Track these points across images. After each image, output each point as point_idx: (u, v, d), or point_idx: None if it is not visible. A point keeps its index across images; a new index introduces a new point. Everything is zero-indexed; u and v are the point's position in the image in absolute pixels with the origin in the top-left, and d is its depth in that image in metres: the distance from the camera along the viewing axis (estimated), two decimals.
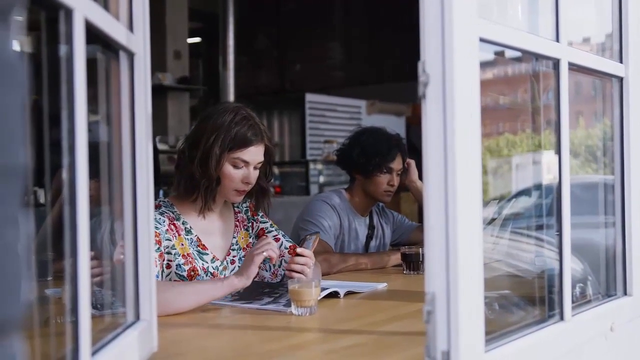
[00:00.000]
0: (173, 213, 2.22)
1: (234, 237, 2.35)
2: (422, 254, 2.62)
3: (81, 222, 0.99)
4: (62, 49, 0.98)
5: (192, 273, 2.17)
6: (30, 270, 0.58)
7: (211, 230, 2.29)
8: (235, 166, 2.18)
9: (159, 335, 1.42)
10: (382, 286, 2.33)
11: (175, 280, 2.15)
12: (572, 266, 1.54)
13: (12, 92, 0.56)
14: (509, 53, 1.53)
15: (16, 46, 0.59)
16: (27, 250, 0.58)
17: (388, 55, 9.12)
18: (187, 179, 2.20)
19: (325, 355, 1.50)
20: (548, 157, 1.77)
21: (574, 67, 1.55)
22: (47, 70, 1.01)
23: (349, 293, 2.17)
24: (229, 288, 1.96)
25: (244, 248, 2.35)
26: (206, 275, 2.20)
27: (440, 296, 1.15)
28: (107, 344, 1.17)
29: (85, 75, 1.01)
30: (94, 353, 1.06)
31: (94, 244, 1.05)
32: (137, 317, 1.35)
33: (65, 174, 0.99)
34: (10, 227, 0.55)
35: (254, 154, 2.20)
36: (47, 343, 1.10)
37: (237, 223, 2.38)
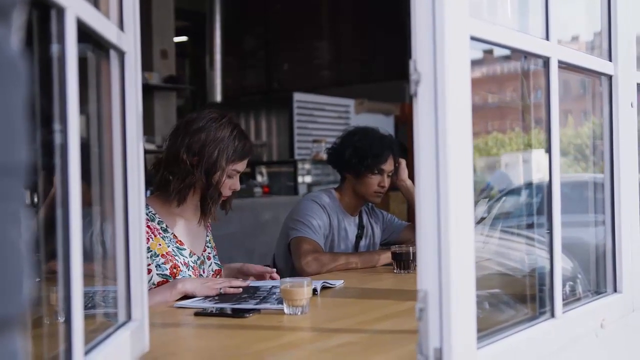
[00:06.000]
0: (147, 214, 2.22)
1: (207, 236, 2.43)
2: (413, 253, 2.62)
3: (74, 223, 0.98)
4: (54, 48, 0.98)
5: (175, 270, 2.21)
6: (31, 267, 0.59)
7: (187, 228, 2.34)
8: (230, 176, 2.27)
9: (151, 335, 1.42)
10: (339, 283, 2.33)
11: (158, 282, 2.16)
12: (562, 264, 1.54)
13: (15, 91, 0.57)
14: (497, 52, 1.53)
15: (17, 45, 0.59)
16: (28, 247, 0.58)
17: (376, 55, 9.14)
18: (187, 187, 2.23)
19: (318, 354, 1.50)
20: (537, 156, 1.78)
21: (563, 65, 1.56)
22: (37, 69, 1.00)
23: (324, 287, 2.21)
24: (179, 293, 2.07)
25: (214, 247, 2.45)
26: (188, 270, 2.24)
27: (432, 294, 1.16)
28: (99, 344, 1.16)
29: (77, 74, 1.00)
30: (86, 353, 1.05)
31: (83, 245, 1.05)
32: (129, 317, 1.34)
33: (57, 175, 0.98)
34: (13, 224, 0.55)
35: (245, 164, 2.32)
36: (38, 343, 1.09)
37: (208, 224, 2.45)
